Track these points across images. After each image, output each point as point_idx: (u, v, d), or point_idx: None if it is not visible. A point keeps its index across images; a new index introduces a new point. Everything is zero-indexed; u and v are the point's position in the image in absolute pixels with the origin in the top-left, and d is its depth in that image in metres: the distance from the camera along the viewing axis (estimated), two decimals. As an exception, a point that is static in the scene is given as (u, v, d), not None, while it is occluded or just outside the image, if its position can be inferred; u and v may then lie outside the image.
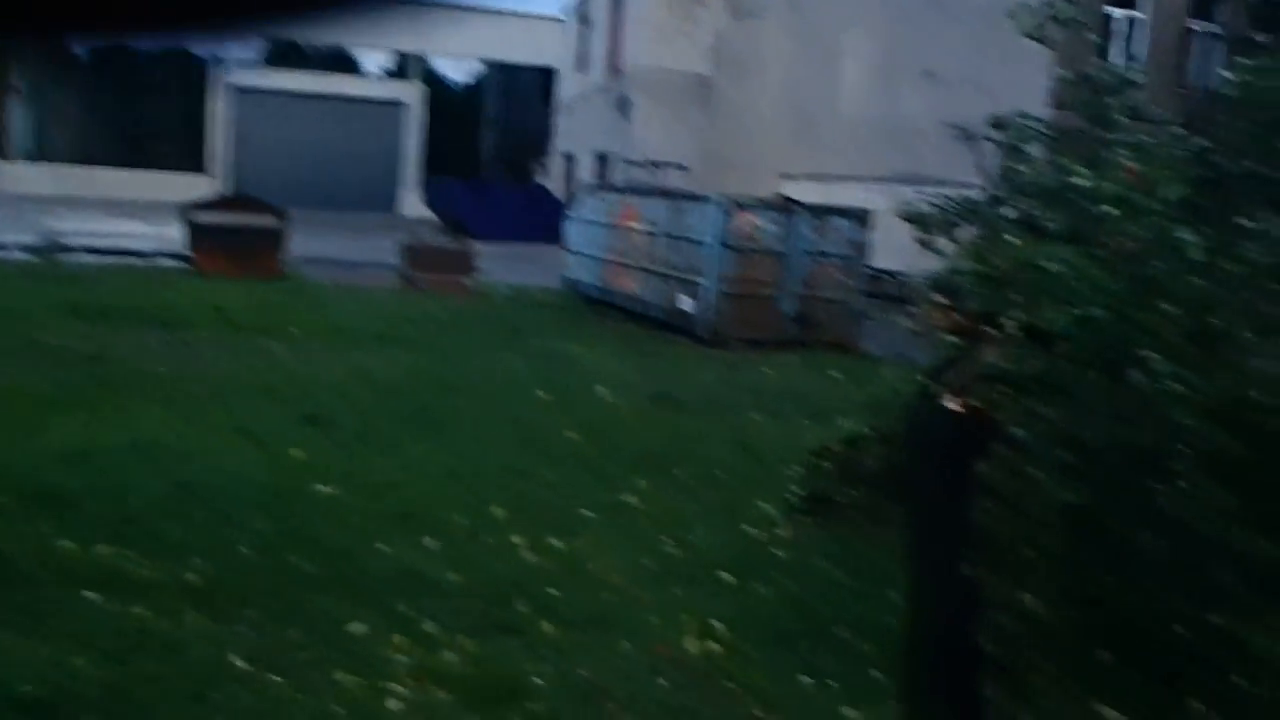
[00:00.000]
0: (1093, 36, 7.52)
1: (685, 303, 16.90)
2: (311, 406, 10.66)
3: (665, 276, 17.69)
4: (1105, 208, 5.74)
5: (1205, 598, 5.47)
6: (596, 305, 20.15)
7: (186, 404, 10.54)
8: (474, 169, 49.61)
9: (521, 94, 49.97)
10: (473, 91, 52.97)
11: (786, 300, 16.53)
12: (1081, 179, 5.73)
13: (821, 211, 16.78)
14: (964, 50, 19.60)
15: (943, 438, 4.54)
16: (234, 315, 16.29)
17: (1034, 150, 7.72)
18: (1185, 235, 5.78)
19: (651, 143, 30.70)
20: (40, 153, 46.08)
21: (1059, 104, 8.07)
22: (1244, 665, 5.52)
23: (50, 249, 22.56)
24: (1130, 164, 5.95)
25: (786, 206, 16.93)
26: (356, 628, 5.69)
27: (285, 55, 50.16)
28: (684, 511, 8.05)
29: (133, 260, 22.84)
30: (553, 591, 6.38)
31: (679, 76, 31.34)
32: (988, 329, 4.64)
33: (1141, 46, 21.24)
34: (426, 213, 41.62)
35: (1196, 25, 21.66)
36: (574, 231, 21.69)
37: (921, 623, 4.73)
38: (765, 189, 23.28)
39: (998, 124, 8.06)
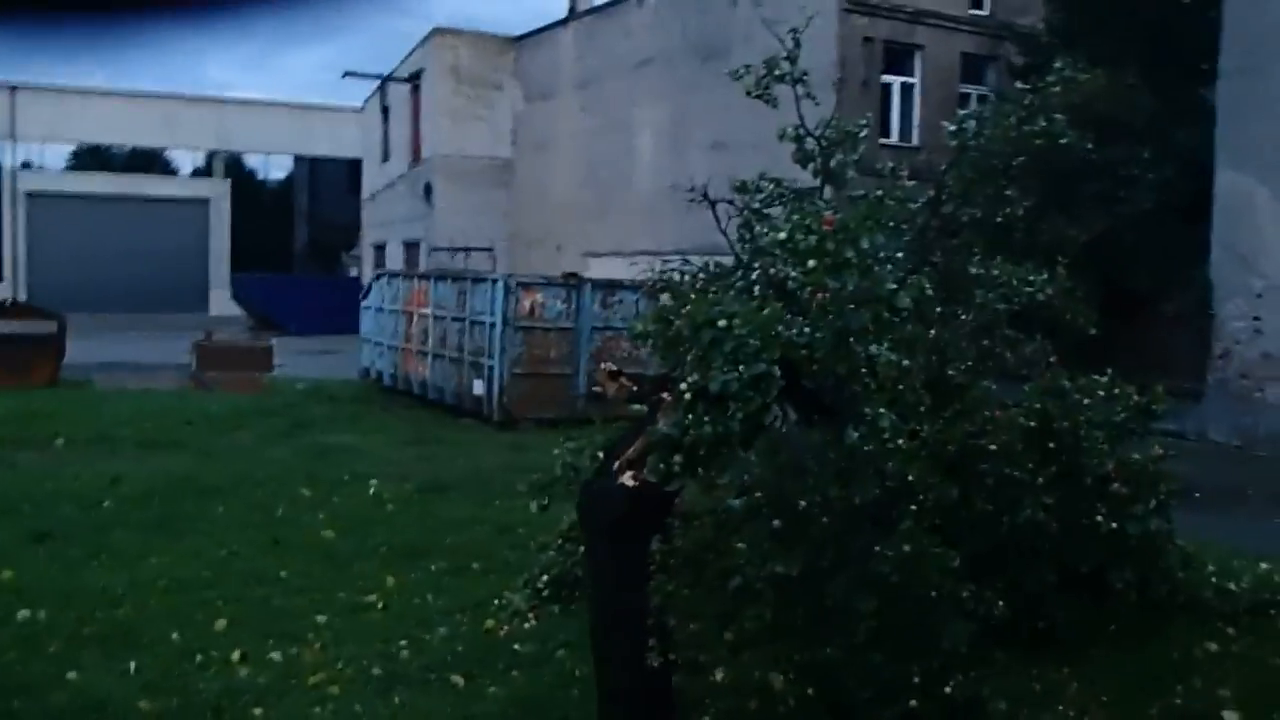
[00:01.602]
0: (810, 95, 7.34)
1: (478, 386, 16.44)
2: (46, 522, 9.84)
3: (456, 360, 17.22)
4: (810, 262, 5.48)
5: (935, 660, 5.21)
6: (392, 393, 19.56)
7: (-100, 529, 9.64)
8: (285, 263, 48.60)
9: (329, 186, 49.27)
10: (281, 186, 52.09)
11: (578, 376, 16.21)
12: (776, 235, 5.51)
13: (608, 285, 16.55)
14: (748, 116, 19.62)
15: (614, 517, 4.17)
16: (-10, 428, 15.24)
17: (776, 210, 7.54)
18: (890, 284, 5.59)
19: (457, 227, 30.36)
20: None
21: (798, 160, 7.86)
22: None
23: None
24: (828, 215, 5.76)
25: (572, 282, 16.68)
26: (11, 777, 5.02)
27: (87, 158, 48.69)
28: (428, 609, 7.52)
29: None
30: (256, 712, 5.79)
31: (479, 161, 31.17)
32: (664, 395, 4.32)
33: (919, 110, 21.86)
34: (238, 310, 40.50)
35: (968, 89, 22.39)
36: (367, 320, 21.12)
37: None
38: (572, 267, 23.09)
39: (740, 187, 7.88)
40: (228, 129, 48.22)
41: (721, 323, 4.32)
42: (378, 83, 35.82)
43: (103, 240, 44.63)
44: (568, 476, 5.20)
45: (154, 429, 15.35)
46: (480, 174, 31.19)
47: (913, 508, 5.51)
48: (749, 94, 7.65)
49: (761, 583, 4.77)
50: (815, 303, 5.12)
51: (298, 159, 50.33)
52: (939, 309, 7.24)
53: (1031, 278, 7.06)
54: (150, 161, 49.71)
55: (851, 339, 5.19)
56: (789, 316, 5.50)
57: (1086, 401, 6.78)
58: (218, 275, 46.66)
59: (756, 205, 7.60)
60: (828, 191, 7.61)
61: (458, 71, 31.22)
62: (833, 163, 7.57)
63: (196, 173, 50.07)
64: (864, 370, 5.37)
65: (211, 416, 16.63)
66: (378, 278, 22.10)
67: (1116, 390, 6.90)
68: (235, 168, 49.82)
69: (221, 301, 44.00)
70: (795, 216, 5.83)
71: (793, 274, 5.76)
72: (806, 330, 5.21)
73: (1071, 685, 5.79)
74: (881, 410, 5.35)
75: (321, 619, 7.28)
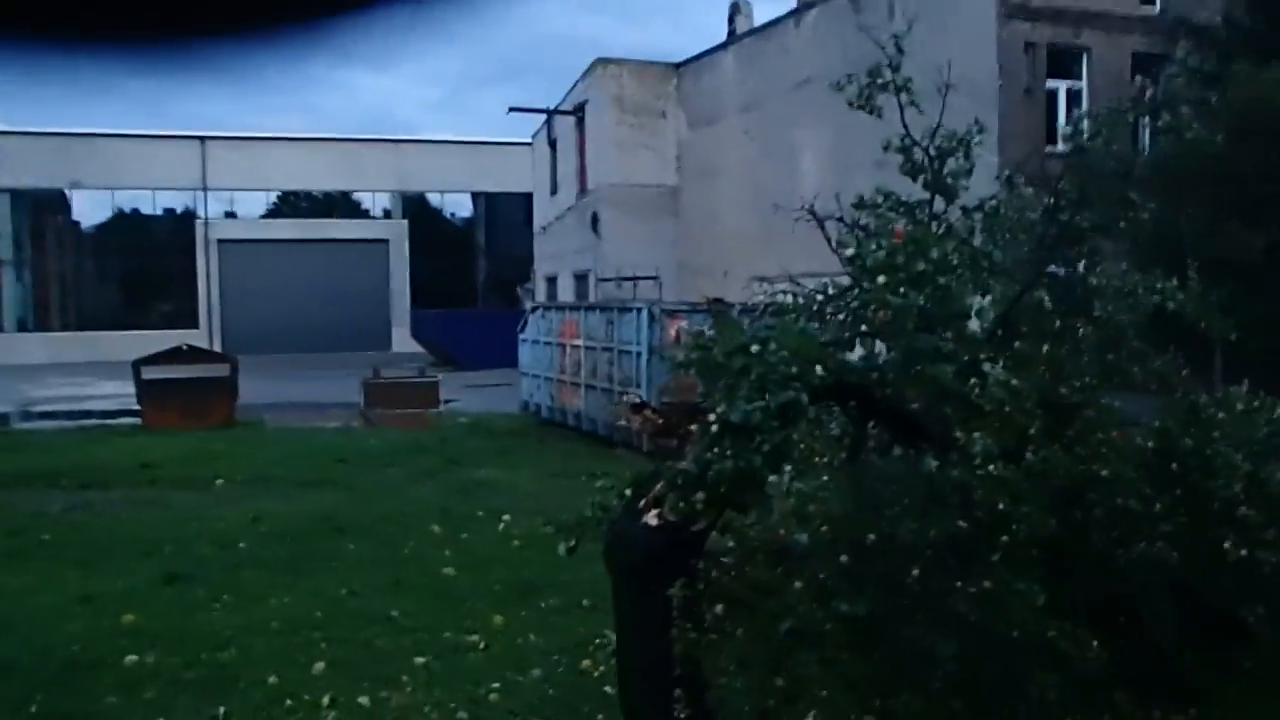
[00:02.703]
0: (913, 102, 6.91)
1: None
2: (182, 563, 10.04)
3: (607, 391, 17.09)
4: (880, 277, 5.09)
5: (1024, 711, 4.72)
6: (550, 426, 19.55)
7: (47, 569, 9.94)
8: (468, 299, 49.61)
9: (505, 221, 50.17)
10: (460, 222, 53.35)
11: (725, 405, 15.86)
12: (851, 250, 5.14)
13: (756, 310, 16.14)
14: (914, 132, 18.93)
15: (636, 559, 3.86)
16: (158, 470, 15.72)
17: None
18: (976, 300, 5.15)
19: (624, 257, 30.36)
20: (34, 322, 46.69)
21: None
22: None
23: (14, 417, 22.81)
24: (897, 227, 5.35)
25: (717, 308, 16.34)
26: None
27: (279, 204, 50.79)
28: (528, 649, 7.33)
29: (92, 421, 22.34)
30: (329, 761, 5.67)
31: (645, 189, 31.14)
32: (692, 428, 3.99)
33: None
34: (420, 348, 41.39)
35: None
36: (524, 353, 21.19)
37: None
38: (740, 293, 22.76)
39: (860, 203, 7.49)
40: (408, 169, 49.63)
41: (754, 348, 3.97)
42: (545, 117, 36.23)
43: (289, 283, 46.37)
44: (597, 516, 4.90)
45: (310, 468, 15.64)
46: (647, 202, 31.16)
47: (1004, 541, 5.04)
48: (850, 105, 7.33)
49: (829, 624, 4.39)
50: (878, 321, 4.74)
51: (475, 195, 51.50)
52: (1058, 322, 6.74)
53: (1160, 285, 6.48)
54: (336, 205, 51.52)
55: (923, 360, 4.78)
56: (859, 337, 5.14)
57: (1221, 416, 6.14)
58: (399, 313, 47.92)
59: (866, 221, 7.20)
60: (938, 204, 7.15)
61: (621, 101, 31.30)
62: (945, 173, 7.12)
63: (385, 214, 51.64)
64: (956, 391, 4.97)
65: (367, 454, 16.89)
66: (533, 310, 22.20)
67: (1256, 404, 6.24)
68: (418, 206, 51.21)
69: (404, 339, 45.09)
70: (861, 232, 5.46)
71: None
72: (877, 352, 4.84)
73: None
74: (976, 435, 4.93)
75: (420, 660, 7.16)
